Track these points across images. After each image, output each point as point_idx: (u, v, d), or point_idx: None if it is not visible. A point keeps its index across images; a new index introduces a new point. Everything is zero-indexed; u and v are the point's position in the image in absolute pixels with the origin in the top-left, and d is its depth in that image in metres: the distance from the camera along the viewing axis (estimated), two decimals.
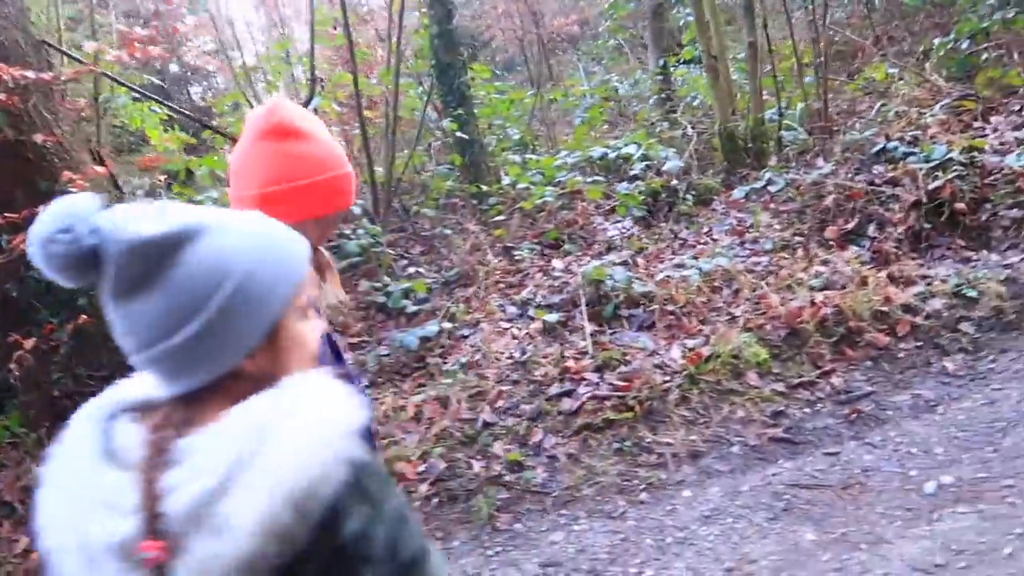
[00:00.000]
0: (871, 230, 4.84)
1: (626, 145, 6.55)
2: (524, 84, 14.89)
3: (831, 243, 4.81)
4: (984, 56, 7.17)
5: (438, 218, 6.38)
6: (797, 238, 4.85)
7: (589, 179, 6.35)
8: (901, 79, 7.28)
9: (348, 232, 5.83)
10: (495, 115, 8.73)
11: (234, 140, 6.28)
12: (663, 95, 8.09)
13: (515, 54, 17.02)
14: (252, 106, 6.53)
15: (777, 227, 5.00)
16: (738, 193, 5.58)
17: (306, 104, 6.34)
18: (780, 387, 3.65)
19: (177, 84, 14.19)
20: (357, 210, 5.85)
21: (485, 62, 16.96)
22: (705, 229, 5.28)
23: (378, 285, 5.22)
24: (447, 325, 4.71)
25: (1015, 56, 6.87)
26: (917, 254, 4.67)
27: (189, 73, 14.41)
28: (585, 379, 3.93)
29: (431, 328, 4.64)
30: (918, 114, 5.87)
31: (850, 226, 4.90)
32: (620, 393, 3.77)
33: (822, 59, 6.34)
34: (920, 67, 7.41)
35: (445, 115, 6.80)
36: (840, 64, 9.19)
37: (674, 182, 5.79)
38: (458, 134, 6.46)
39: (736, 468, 3.31)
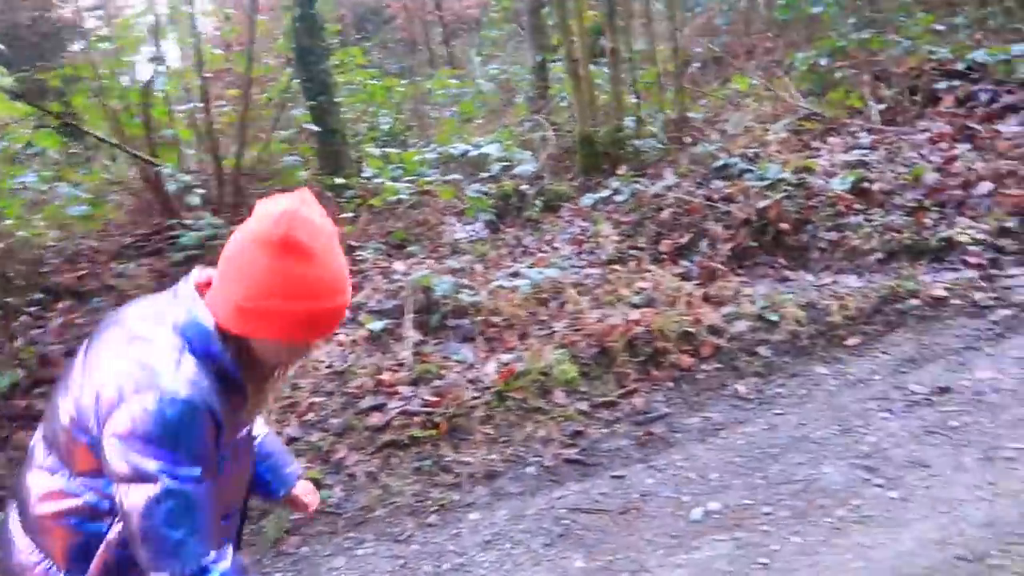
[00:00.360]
0: (703, 246, 4.95)
1: (488, 144, 6.49)
2: (422, 67, 14.65)
3: (664, 257, 4.90)
4: (838, 74, 7.47)
5: None
6: (632, 251, 4.92)
7: (448, 177, 6.25)
8: (768, 91, 7.49)
9: (188, 222, 5.56)
10: (370, 103, 8.52)
11: (65, 123, 5.86)
12: (535, 94, 8.06)
13: (416, 34, 16.70)
14: (92, 82, 6.07)
15: (615, 238, 5.05)
16: (586, 201, 5.62)
17: (147, 84, 5.98)
18: (584, 406, 3.69)
19: (52, 40, 13.21)
20: (197, 200, 5.58)
21: (385, 41, 16.58)
22: (548, 237, 5.29)
23: None
24: None
25: (865, 77, 7.18)
26: (743, 271, 4.82)
27: (72, 29, 13.41)
28: (398, 393, 3.86)
29: None
30: (763, 130, 6.05)
31: (684, 241, 5.01)
32: (429, 409, 3.72)
33: (678, 68, 6.44)
34: (781, 81, 7.65)
35: (302, 103, 6.56)
36: (715, 71, 9.42)
37: (525, 186, 5.77)
38: (307, 125, 6.23)
39: (527, 490, 3.32)
